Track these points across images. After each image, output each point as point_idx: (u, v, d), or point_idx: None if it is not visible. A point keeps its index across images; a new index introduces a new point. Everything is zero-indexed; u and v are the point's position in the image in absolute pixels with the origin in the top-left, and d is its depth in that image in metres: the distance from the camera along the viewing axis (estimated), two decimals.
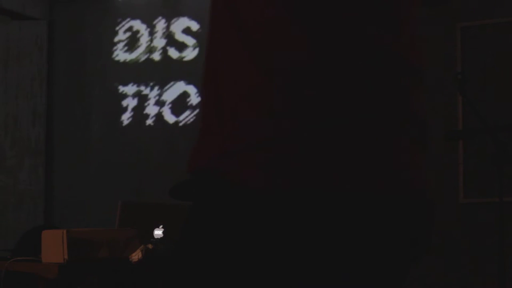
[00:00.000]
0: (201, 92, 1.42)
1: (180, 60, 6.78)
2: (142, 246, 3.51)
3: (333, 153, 1.30)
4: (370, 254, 1.34)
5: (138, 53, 6.98)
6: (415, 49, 1.42)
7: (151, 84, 6.89)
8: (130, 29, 7.03)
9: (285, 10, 1.33)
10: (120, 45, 7.05)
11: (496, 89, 5.42)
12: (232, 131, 1.33)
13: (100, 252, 3.51)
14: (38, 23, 7.23)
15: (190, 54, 6.75)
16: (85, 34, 7.21)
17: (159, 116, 6.82)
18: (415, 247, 1.40)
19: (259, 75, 1.33)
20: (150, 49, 6.93)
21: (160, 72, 6.86)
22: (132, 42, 7.00)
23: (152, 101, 6.87)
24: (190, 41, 6.76)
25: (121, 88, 7.00)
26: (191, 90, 6.70)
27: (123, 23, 7.05)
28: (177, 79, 6.77)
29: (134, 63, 6.99)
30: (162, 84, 6.84)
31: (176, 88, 6.78)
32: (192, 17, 6.76)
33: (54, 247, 3.45)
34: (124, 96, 6.97)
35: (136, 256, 3.49)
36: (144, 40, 6.96)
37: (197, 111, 6.65)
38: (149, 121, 6.86)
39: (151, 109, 6.87)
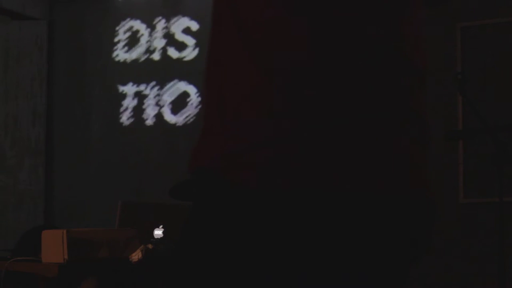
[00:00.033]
0: (203, 92, 1.42)
1: (180, 60, 6.78)
2: (142, 246, 3.51)
3: (333, 153, 1.30)
4: (370, 254, 1.34)
5: (138, 53, 6.98)
6: (417, 49, 1.42)
7: (151, 84, 6.88)
8: (130, 29, 7.03)
9: (285, 10, 1.33)
10: (120, 45, 7.05)
11: (496, 89, 5.42)
12: (233, 131, 1.33)
13: (100, 252, 3.51)
14: (38, 23, 7.23)
15: (190, 54, 6.75)
16: (85, 34, 7.21)
17: (159, 116, 6.82)
18: (415, 247, 1.40)
19: (260, 75, 1.33)
20: (150, 49, 6.93)
21: (160, 72, 6.86)
22: (132, 42, 7.00)
23: (152, 101, 6.87)
24: (190, 41, 6.76)
25: (121, 88, 7.00)
26: (191, 90, 6.70)
27: (123, 23, 7.05)
28: (177, 79, 6.77)
29: (134, 63, 6.99)
30: (162, 84, 6.84)
31: (176, 88, 6.77)
32: (192, 17, 6.76)
33: (54, 247, 3.45)
34: (124, 96, 6.97)
35: (136, 256, 3.49)
36: (144, 40, 6.96)
37: (197, 111, 6.65)
38: (149, 121, 6.86)
39: (151, 109, 6.87)
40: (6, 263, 3.57)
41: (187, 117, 6.70)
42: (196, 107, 6.66)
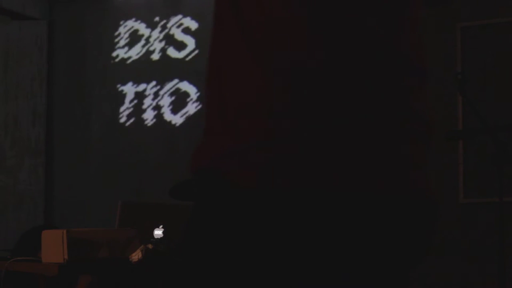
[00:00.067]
0: (205, 92, 1.42)
1: (180, 60, 6.78)
2: (142, 246, 3.51)
3: (333, 153, 1.30)
4: (370, 254, 1.34)
5: (138, 53, 6.98)
6: (418, 49, 1.42)
7: (151, 84, 6.89)
8: (130, 29, 7.03)
9: (286, 11, 1.33)
10: (120, 45, 7.05)
11: (496, 89, 5.42)
12: (233, 131, 1.33)
13: (100, 252, 3.51)
14: (38, 23, 7.23)
15: (190, 54, 6.75)
16: (85, 34, 7.21)
17: (159, 116, 6.82)
18: (415, 247, 1.40)
19: (260, 75, 1.33)
20: (150, 49, 6.93)
21: (160, 71, 6.86)
22: (132, 42, 7.00)
23: (152, 101, 6.87)
24: (190, 40, 6.76)
25: (121, 88, 7.00)
26: (191, 90, 6.70)
27: (123, 23, 7.05)
28: (177, 79, 6.77)
29: (134, 63, 6.99)
30: (162, 84, 6.84)
31: (176, 88, 6.78)
32: (192, 16, 6.76)
33: (54, 247, 3.45)
34: (124, 96, 6.97)
35: (136, 256, 3.49)
36: (144, 40, 6.96)
37: (197, 111, 6.65)
38: (149, 121, 6.86)
39: (151, 109, 6.87)
40: (6, 263, 3.57)
41: (187, 117, 6.71)
42: (196, 107, 6.66)
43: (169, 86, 6.81)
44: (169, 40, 6.85)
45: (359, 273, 1.35)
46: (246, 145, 1.31)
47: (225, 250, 1.31)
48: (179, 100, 6.75)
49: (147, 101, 6.88)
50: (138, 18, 6.99)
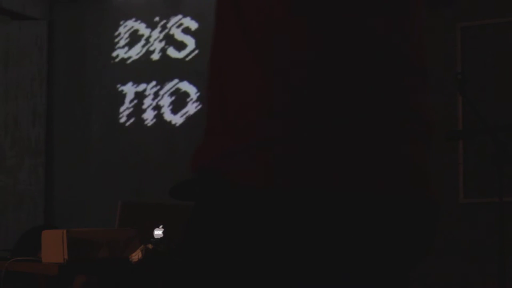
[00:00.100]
0: (206, 92, 1.42)
1: (180, 60, 6.78)
2: (142, 246, 3.51)
3: (333, 153, 1.30)
4: (370, 254, 1.34)
5: (138, 53, 6.98)
6: (419, 49, 1.42)
7: (151, 84, 6.89)
8: (130, 29, 7.03)
9: (286, 11, 1.33)
10: (120, 45, 7.05)
11: (496, 89, 5.42)
12: (233, 131, 1.33)
13: (100, 252, 3.51)
14: (38, 23, 7.23)
15: (190, 54, 6.75)
16: (85, 34, 7.21)
17: (159, 116, 6.82)
18: (415, 247, 1.40)
19: (260, 75, 1.33)
20: (150, 49, 6.93)
21: (160, 71, 6.86)
22: (132, 42, 7.00)
23: (152, 101, 6.87)
24: (190, 40, 6.76)
25: (121, 88, 7.00)
26: (191, 90, 6.70)
27: (123, 23, 7.05)
28: (177, 79, 6.77)
29: (134, 63, 6.99)
30: (162, 84, 6.84)
31: (176, 88, 6.78)
32: (192, 16, 6.76)
33: (54, 247, 3.45)
34: (124, 96, 6.97)
35: (136, 256, 3.49)
36: (144, 39, 6.96)
37: (197, 111, 6.65)
38: (149, 121, 6.86)
39: (151, 109, 6.87)
40: (6, 263, 3.57)
41: (187, 117, 6.71)
42: (196, 107, 6.66)
43: (169, 86, 6.81)
44: (169, 40, 6.85)
45: (359, 273, 1.35)
46: (246, 145, 1.31)
47: (225, 250, 1.31)
48: (179, 100, 6.75)
49: (147, 101, 6.88)
50: (138, 18, 6.99)
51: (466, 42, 5.56)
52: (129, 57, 7.00)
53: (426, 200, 1.40)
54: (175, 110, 6.76)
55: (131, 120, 6.93)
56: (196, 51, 6.71)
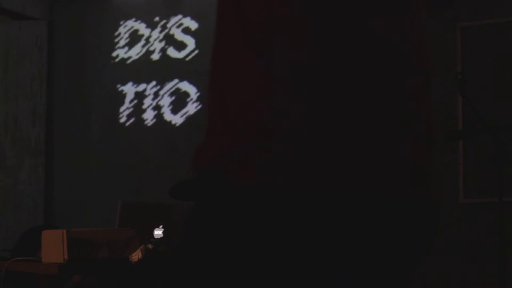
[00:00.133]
0: (208, 92, 1.42)
1: (180, 60, 6.78)
2: (142, 246, 3.51)
3: (333, 153, 1.30)
4: (370, 254, 1.34)
5: (138, 53, 6.98)
6: (421, 49, 1.42)
7: (151, 84, 6.89)
8: (130, 29, 7.03)
9: (286, 11, 1.33)
10: (120, 45, 7.05)
11: (496, 89, 5.42)
12: (234, 131, 1.33)
13: (100, 252, 3.51)
14: (38, 23, 7.23)
15: (190, 53, 6.75)
16: (85, 34, 7.21)
17: (159, 116, 6.82)
18: (415, 247, 1.40)
19: (260, 75, 1.33)
20: (150, 49, 6.93)
21: (160, 71, 6.86)
22: (132, 42, 7.00)
23: (152, 101, 6.87)
24: (190, 40, 6.76)
25: (121, 88, 7.00)
26: (191, 90, 6.70)
27: (123, 23, 7.05)
28: (177, 79, 6.77)
29: (134, 63, 6.99)
30: (162, 84, 6.84)
31: (176, 88, 6.78)
32: (192, 16, 6.76)
33: (54, 247, 3.45)
34: (124, 96, 6.98)
35: (136, 256, 3.49)
36: (144, 39, 6.96)
37: (197, 111, 6.65)
38: (149, 121, 6.87)
39: (151, 109, 6.87)
40: (6, 263, 3.57)
41: (187, 117, 6.71)
42: (196, 107, 6.66)
43: (169, 86, 6.81)
44: (169, 40, 6.85)
45: (359, 273, 1.35)
46: (246, 145, 1.31)
47: (225, 250, 1.31)
48: (179, 100, 6.75)
49: (147, 101, 6.88)
50: (138, 18, 6.99)
51: (466, 42, 5.56)
52: (129, 57, 7.00)
53: (426, 200, 1.40)
54: (175, 110, 6.77)
55: (131, 120, 6.93)
56: (196, 51, 6.71)
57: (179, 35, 6.81)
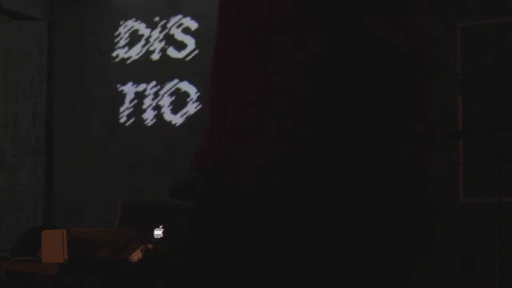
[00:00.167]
0: (209, 93, 1.42)
1: (180, 60, 6.78)
2: (142, 246, 3.51)
3: (333, 153, 1.30)
4: (371, 254, 1.34)
5: (138, 53, 6.98)
6: (420, 49, 1.42)
7: (151, 84, 6.89)
8: (130, 29, 7.03)
9: (286, 10, 1.33)
10: (120, 45, 7.05)
11: (496, 89, 5.42)
12: (234, 131, 1.33)
13: (100, 252, 3.51)
14: (38, 23, 7.23)
15: (190, 53, 6.75)
16: (85, 34, 7.21)
17: (159, 116, 6.82)
18: (416, 247, 1.40)
19: (261, 75, 1.33)
20: (150, 49, 6.93)
21: (160, 71, 6.86)
22: (132, 42, 7.00)
23: (152, 101, 6.87)
24: (190, 40, 6.76)
25: (121, 88, 7.00)
26: (191, 90, 6.70)
27: (123, 23, 7.05)
28: (177, 79, 6.77)
29: (134, 63, 6.99)
30: (162, 84, 6.84)
31: (176, 88, 6.78)
32: (192, 16, 6.76)
33: (54, 247, 3.45)
34: (124, 96, 6.98)
35: (136, 256, 3.49)
36: (144, 39, 6.96)
37: (197, 111, 6.65)
38: (149, 121, 6.87)
39: (151, 109, 6.87)
40: (6, 263, 3.57)
41: (187, 117, 6.71)
42: (196, 107, 6.66)
43: (169, 86, 6.81)
44: (169, 40, 6.85)
45: (360, 273, 1.35)
46: (246, 145, 1.31)
47: (225, 250, 1.31)
48: (179, 100, 6.75)
49: (147, 101, 6.88)
50: (138, 18, 6.99)
51: (466, 42, 5.56)
52: (129, 57, 7.00)
53: (426, 200, 1.40)
54: (175, 110, 6.77)
55: (131, 120, 6.93)
56: (196, 51, 6.71)
57: (179, 35, 6.81)
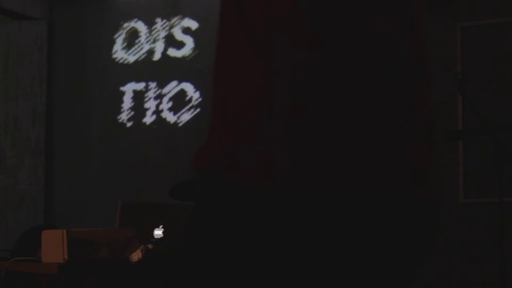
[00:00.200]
0: (211, 93, 1.42)
1: (180, 60, 6.78)
2: (142, 246, 3.51)
3: (333, 153, 1.30)
4: (371, 254, 1.34)
5: (138, 53, 6.98)
6: (421, 49, 1.42)
7: (151, 84, 6.89)
8: (130, 29, 7.03)
9: (285, 10, 1.33)
10: (120, 45, 7.05)
11: (496, 89, 5.42)
12: (234, 131, 1.33)
13: (100, 252, 3.51)
14: (38, 23, 7.23)
15: (190, 53, 6.75)
16: (85, 34, 7.21)
17: (159, 116, 6.82)
18: (416, 247, 1.40)
19: (261, 75, 1.33)
20: (150, 49, 6.93)
21: (160, 71, 6.86)
22: (132, 42, 7.00)
23: (152, 101, 6.87)
24: (190, 41, 6.76)
25: (121, 88, 7.00)
26: (191, 90, 6.70)
27: (123, 23, 7.05)
28: (177, 78, 6.77)
29: (134, 63, 6.99)
30: (162, 84, 6.84)
31: (176, 88, 6.78)
32: (192, 16, 6.76)
33: (54, 247, 3.45)
34: (124, 96, 6.98)
35: (136, 256, 3.49)
36: (144, 39, 6.96)
37: (197, 111, 6.65)
38: (149, 121, 6.87)
39: (151, 109, 6.87)
40: (6, 263, 3.57)
41: (187, 117, 6.70)
42: (196, 107, 6.66)
43: (169, 86, 6.81)
44: (169, 40, 6.85)
45: (360, 273, 1.35)
46: (246, 145, 1.31)
47: (225, 250, 1.31)
48: (179, 100, 6.75)
49: (147, 101, 6.88)
50: (138, 18, 6.99)
51: (466, 42, 5.56)
52: (129, 57, 7.00)
53: (426, 200, 1.40)
54: (175, 110, 6.77)
55: (131, 120, 6.93)
56: (196, 51, 6.71)
57: (179, 35, 6.81)
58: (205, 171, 1.35)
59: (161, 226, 3.85)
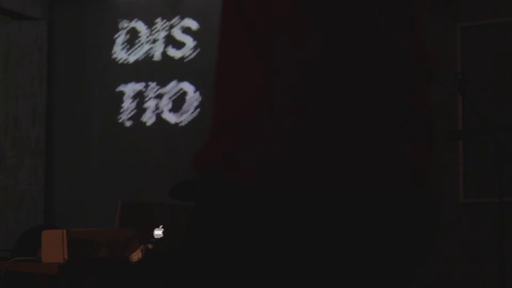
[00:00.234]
0: (213, 93, 1.42)
1: (180, 60, 6.78)
2: (142, 246, 3.51)
3: (333, 153, 1.30)
4: (371, 254, 1.34)
5: (138, 53, 6.98)
6: (421, 49, 1.42)
7: (151, 84, 6.89)
8: (130, 29, 7.03)
9: (285, 10, 1.33)
10: (120, 45, 7.05)
11: (496, 89, 5.42)
12: (234, 131, 1.33)
13: (100, 252, 3.51)
14: (38, 23, 7.23)
15: (190, 54, 6.75)
16: (85, 34, 7.21)
17: (159, 116, 6.82)
18: (416, 247, 1.40)
19: (261, 75, 1.33)
20: (150, 49, 6.93)
21: (160, 72, 6.86)
22: (132, 42, 7.00)
23: (152, 101, 6.87)
24: (190, 41, 6.76)
25: (121, 88, 7.00)
26: (191, 90, 6.70)
27: (123, 23, 7.05)
28: (177, 79, 6.77)
29: (134, 63, 6.99)
30: (162, 84, 6.84)
31: (176, 88, 6.78)
32: (192, 17, 6.76)
33: (54, 247, 3.45)
34: (124, 96, 6.97)
35: (136, 256, 3.49)
36: (144, 40, 6.96)
37: (197, 111, 6.65)
38: (149, 121, 6.86)
39: (151, 109, 6.87)
40: (6, 263, 3.57)
41: (187, 117, 6.70)
42: (196, 107, 6.66)
43: (169, 86, 6.81)
44: (169, 40, 6.85)
45: (360, 274, 1.35)
46: (246, 145, 1.31)
47: (225, 250, 1.31)
48: (179, 100, 6.75)
49: (147, 101, 6.88)
50: (138, 18, 6.99)
51: (466, 42, 5.56)
52: (129, 57, 7.00)
53: (426, 200, 1.40)
54: (175, 110, 6.76)
55: (131, 120, 6.93)
56: (196, 51, 6.71)
57: (179, 35, 6.81)
58: (205, 171, 1.35)
59: (161, 226, 3.85)
